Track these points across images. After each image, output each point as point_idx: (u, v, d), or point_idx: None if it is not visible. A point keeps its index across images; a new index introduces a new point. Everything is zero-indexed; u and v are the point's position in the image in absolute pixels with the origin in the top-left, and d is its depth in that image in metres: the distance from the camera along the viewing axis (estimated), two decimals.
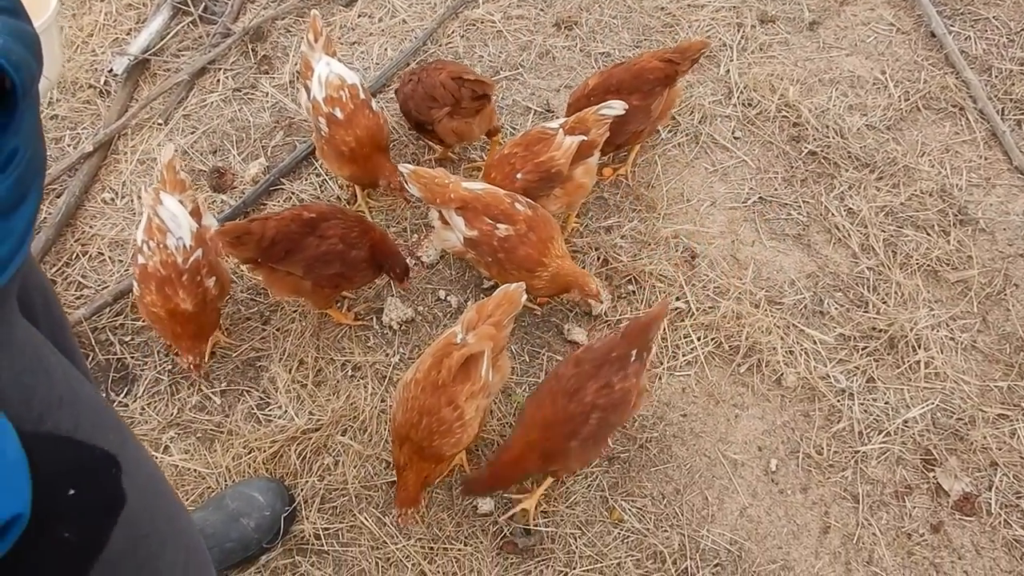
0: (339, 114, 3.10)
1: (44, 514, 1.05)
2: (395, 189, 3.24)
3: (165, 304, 2.78)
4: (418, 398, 2.52)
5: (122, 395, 3.05)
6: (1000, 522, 2.77)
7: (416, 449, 2.54)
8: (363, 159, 3.18)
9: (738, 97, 3.76)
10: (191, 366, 2.90)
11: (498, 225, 2.85)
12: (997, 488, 2.82)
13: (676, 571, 2.70)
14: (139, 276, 2.82)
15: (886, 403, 2.99)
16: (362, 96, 3.15)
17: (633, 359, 2.56)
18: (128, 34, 4.04)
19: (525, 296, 2.67)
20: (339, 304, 3.23)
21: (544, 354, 3.11)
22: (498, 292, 2.65)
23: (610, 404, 2.53)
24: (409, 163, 3.14)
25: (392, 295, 3.23)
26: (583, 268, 3.23)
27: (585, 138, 3.01)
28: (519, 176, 3.01)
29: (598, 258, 3.30)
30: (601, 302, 3.07)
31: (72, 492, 1.11)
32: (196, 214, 2.92)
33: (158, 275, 2.78)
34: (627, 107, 3.05)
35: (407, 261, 3.05)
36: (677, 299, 3.21)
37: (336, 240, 2.86)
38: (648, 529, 2.77)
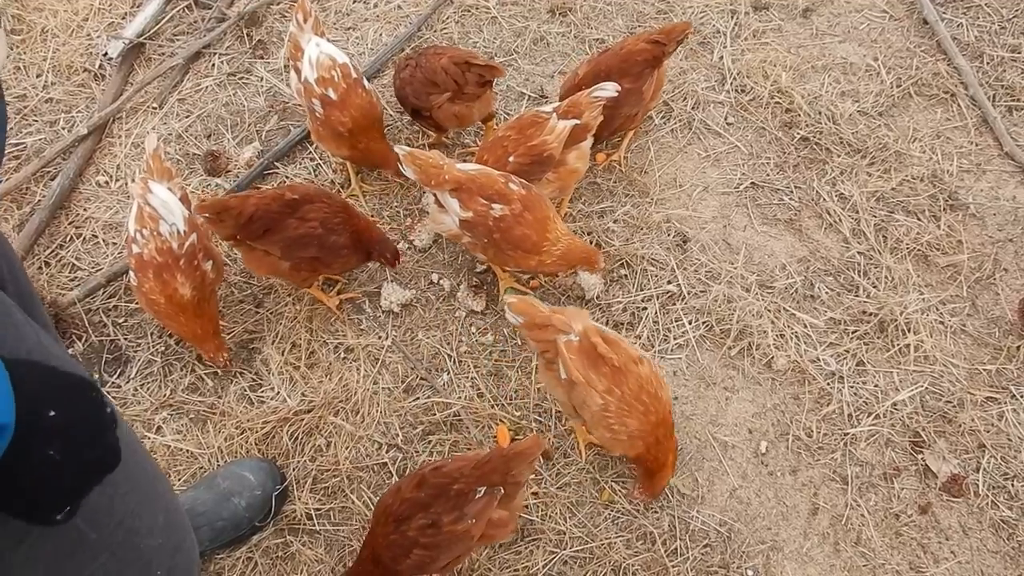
0: (333, 95, 3.10)
1: (28, 433, 1.07)
2: (397, 176, 3.28)
3: (164, 290, 2.77)
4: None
5: (115, 376, 3.06)
6: (987, 503, 2.78)
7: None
8: (361, 138, 3.19)
9: (731, 83, 3.77)
10: (226, 364, 2.95)
11: (493, 205, 2.86)
12: (985, 470, 2.84)
13: (666, 551, 2.72)
14: (136, 266, 2.81)
15: (875, 386, 3.01)
16: (354, 75, 3.15)
17: (478, 496, 2.30)
18: (123, 18, 4.04)
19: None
20: (328, 286, 3.24)
21: None
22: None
23: (434, 545, 2.30)
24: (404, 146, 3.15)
25: (388, 280, 3.25)
26: None
27: (578, 122, 3.01)
28: (511, 159, 3.02)
29: (591, 242, 3.31)
30: (603, 271, 3.10)
31: (53, 413, 1.12)
32: (185, 201, 2.91)
33: (155, 263, 2.77)
34: (619, 89, 3.06)
35: (395, 245, 3.06)
36: (669, 283, 3.22)
37: (316, 224, 2.86)
38: (638, 510, 2.79)
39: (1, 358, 1.06)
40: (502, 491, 2.34)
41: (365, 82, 3.22)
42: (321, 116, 3.14)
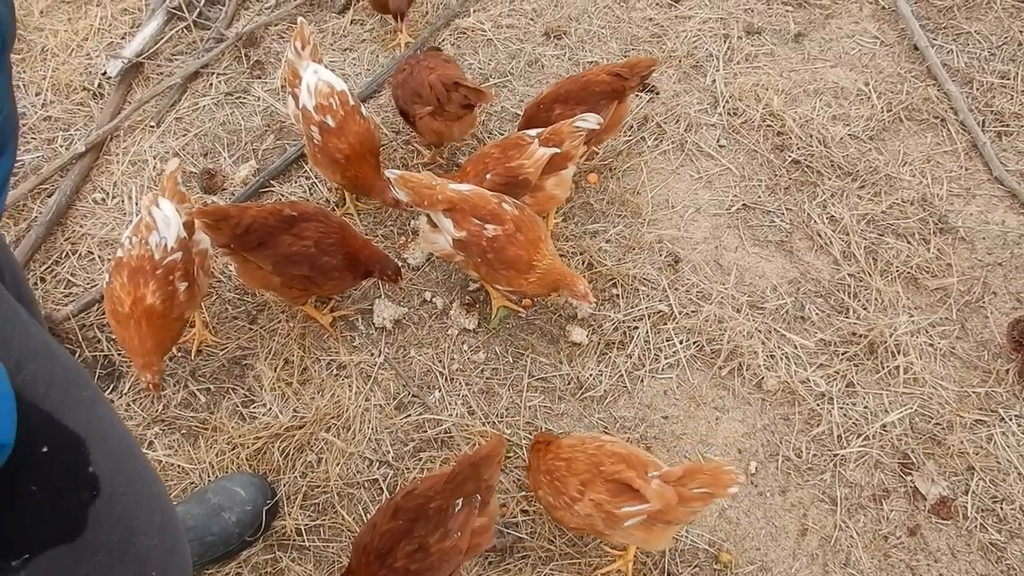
0: (331, 122, 3.13)
1: (15, 465, 1.07)
2: (390, 204, 3.27)
3: (133, 292, 2.71)
4: (579, 452, 2.47)
5: (108, 391, 3.07)
6: (976, 526, 2.79)
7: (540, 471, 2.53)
8: (357, 165, 3.21)
9: (724, 106, 3.81)
10: (149, 385, 2.75)
11: (486, 225, 2.88)
12: (973, 492, 2.84)
13: (656, 571, 2.72)
14: (113, 266, 2.79)
15: (865, 407, 3.02)
16: (351, 102, 3.18)
17: (458, 508, 2.32)
18: (123, 38, 4.09)
19: (733, 489, 2.34)
20: (321, 304, 3.26)
21: (528, 356, 3.14)
22: (709, 464, 2.40)
23: (426, 568, 2.29)
24: (397, 168, 3.17)
25: (380, 296, 3.26)
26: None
27: (558, 151, 3.04)
28: (488, 176, 3.05)
29: (583, 262, 3.34)
30: (590, 303, 3.08)
31: (45, 449, 1.13)
32: (188, 227, 2.90)
33: (131, 266, 2.75)
34: (601, 121, 3.10)
35: (396, 262, 3.08)
36: (660, 303, 3.24)
37: (310, 243, 2.88)
38: None
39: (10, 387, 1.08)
40: (479, 499, 2.36)
41: (363, 109, 3.24)
42: (319, 143, 3.17)
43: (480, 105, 3.24)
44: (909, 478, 2.89)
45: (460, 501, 2.33)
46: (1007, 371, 3.08)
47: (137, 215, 2.86)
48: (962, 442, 2.93)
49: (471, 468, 2.35)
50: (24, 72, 3.93)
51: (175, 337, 2.91)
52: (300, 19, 3.27)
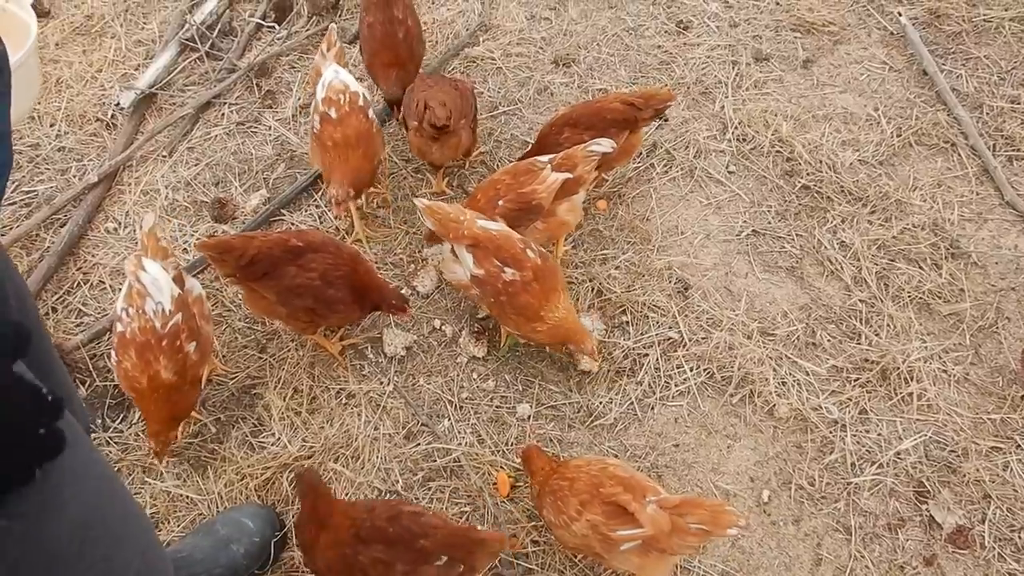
0: (333, 114, 3.17)
1: None
2: (331, 200, 3.19)
3: (146, 370, 2.63)
4: (583, 472, 2.48)
5: (117, 421, 3.07)
6: (994, 555, 2.74)
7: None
8: (344, 153, 3.18)
9: (733, 132, 3.81)
10: (153, 452, 2.77)
11: (505, 268, 2.87)
12: (990, 521, 2.80)
13: None
14: (117, 344, 2.68)
15: (879, 435, 2.99)
16: (361, 103, 3.21)
17: (440, 564, 2.33)
18: (136, 69, 4.13)
19: (733, 531, 2.32)
20: (331, 332, 3.26)
21: (537, 383, 3.13)
22: (710, 501, 2.39)
23: None
24: (417, 196, 3.17)
25: (388, 325, 3.26)
26: (577, 301, 3.27)
27: (570, 176, 3.04)
28: (500, 203, 3.05)
29: (592, 289, 3.33)
30: (596, 361, 3.09)
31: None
32: (178, 280, 2.82)
33: (136, 341, 2.64)
34: (615, 146, 3.10)
35: (402, 293, 3.07)
36: (670, 329, 3.23)
37: (316, 275, 2.85)
38: None
39: None
40: (461, 568, 2.36)
41: (371, 112, 3.27)
42: (316, 132, 3.21)
43: (445, 126, 3.22)
44: (924, 507, 2.85)
45: (445, 559, 2.33)
46: (1022, 397, 3.05)
47: (125, 283, 2.74)
48: (978, 470, 2.89)
49: (468, 540, 2.37)
50: (39, 103, 3.97)
51: (192, 406, 2.85)
52: (331, 24, 3.33)
